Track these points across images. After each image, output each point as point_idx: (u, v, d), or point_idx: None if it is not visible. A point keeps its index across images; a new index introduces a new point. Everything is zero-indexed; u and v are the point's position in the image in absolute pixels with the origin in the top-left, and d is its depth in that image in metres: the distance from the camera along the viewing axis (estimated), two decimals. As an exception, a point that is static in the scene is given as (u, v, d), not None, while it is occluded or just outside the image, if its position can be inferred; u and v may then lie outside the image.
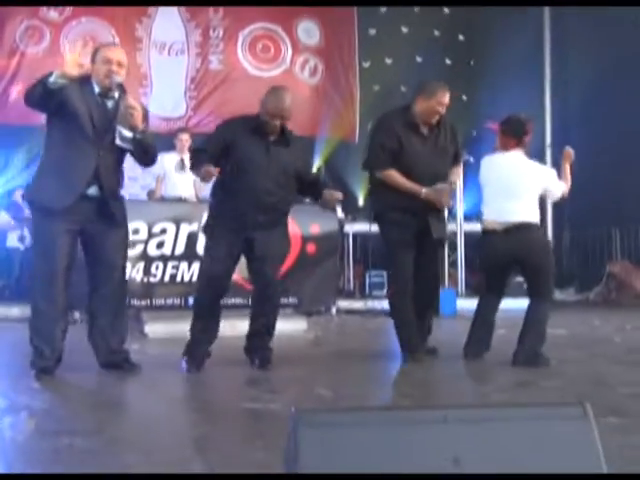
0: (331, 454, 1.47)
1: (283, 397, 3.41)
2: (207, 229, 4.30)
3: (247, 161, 4.07)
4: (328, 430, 1.49)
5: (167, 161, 7.74)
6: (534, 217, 4.37)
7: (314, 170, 4.51)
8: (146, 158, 4.06)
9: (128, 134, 3.86)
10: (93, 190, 3.85)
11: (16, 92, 9.68)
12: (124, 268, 4.08)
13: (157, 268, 6.54)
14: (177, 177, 7.67)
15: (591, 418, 1.54)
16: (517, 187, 4.34)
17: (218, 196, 4.25)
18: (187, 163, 7.67)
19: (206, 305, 4.19)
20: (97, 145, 3.83)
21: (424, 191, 4.29)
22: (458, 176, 4.69)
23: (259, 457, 2.34)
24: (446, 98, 4.41)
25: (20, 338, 5.65)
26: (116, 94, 3.90)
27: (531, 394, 3.45)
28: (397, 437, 1.48)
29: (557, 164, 10.42)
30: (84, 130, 3.79)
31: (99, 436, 2.68)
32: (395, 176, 4.37)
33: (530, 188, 4.37)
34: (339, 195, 4.26)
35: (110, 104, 3.90)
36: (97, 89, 3.88)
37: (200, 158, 4.07)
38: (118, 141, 3.87)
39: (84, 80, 3.84)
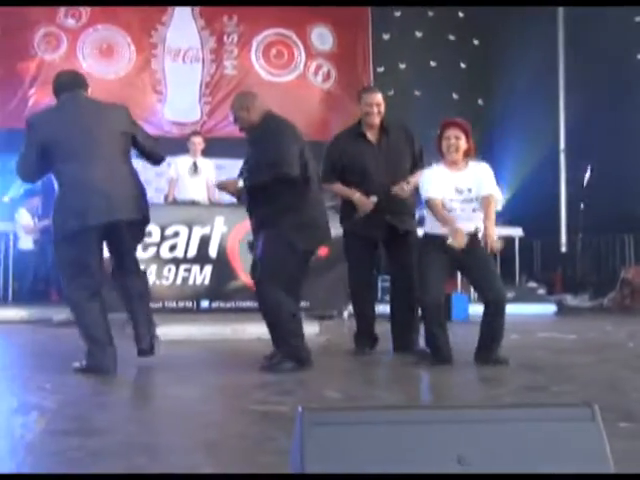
0: (337, 453, 1.48)
1: (292, 399, 3.41)
2: None
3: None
4: (334, 429, 1.50)
5: (180, 164, 7.79)
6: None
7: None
8: None
9: None
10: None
11: (34, 97, 9.78)
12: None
13: (169, 271, 6.57)
14: (189, 180, 7.71)
15: (599, 420, 1.54)
16: None
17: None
18: (200, 166, 7.74)
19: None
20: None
21: (356, 196, 4.63)
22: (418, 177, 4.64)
23: (269, 460, 2.34)
24: (373, 98, 4.70)
25: (31, 339, 5.74)
26: None
27: (542, 398, 3.43)
28: (403, 436, 1.48)
29: (571, 169, 10.41)
30: None
31: (109, 437, 2.70)
32: (336, 187, 4.77)
33: None
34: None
35: None
36: None
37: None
38: None
39: None
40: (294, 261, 4.06)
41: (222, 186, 4.34)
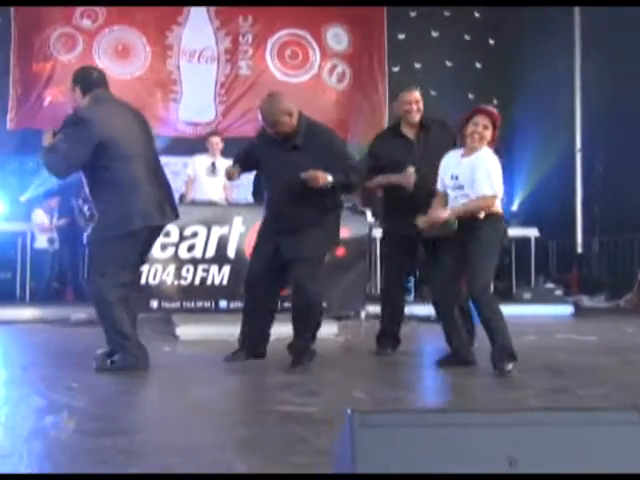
0: (388, 455, 1.48)
1: (318, 400, 3.42)
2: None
3: (268, 173, 4.30)
4: (385, 431, 1.49)
5: (198, 164, 7.77)
6: None
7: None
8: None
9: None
10: None
11: (50, 97, 9.83)
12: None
13: (188, 271, 6.57)
14: (207, 180, 7.69)
15: (646, 423, 1.53)
16: None
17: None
18: (218, 166, 7.73)
19: (247, 306, 4.36)
20: None
21: (399, 177, 4.58)
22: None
23: (303, 460, 2.35)
24: (412, 96, 4.64)
25: (50, 339, 5.75)
26: None
27: (569, 401, 3.41)
28: (454, 439, 1.48)
29: (587, 168, 10.39)
30: None
31: (139, 436, 2.71)
32: (378, 179, 4.72)
33: None
34: (315, 174, 4.02)
35: None
36: None
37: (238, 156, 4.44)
38: None
39: None
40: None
41: (312, 176, 4.01)
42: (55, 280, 8.95)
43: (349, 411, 1.54)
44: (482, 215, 4.14)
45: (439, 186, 4.32)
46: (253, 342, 4.29)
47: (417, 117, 4.66)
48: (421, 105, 4.67)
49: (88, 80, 4.13)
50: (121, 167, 3.99)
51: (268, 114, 4.06)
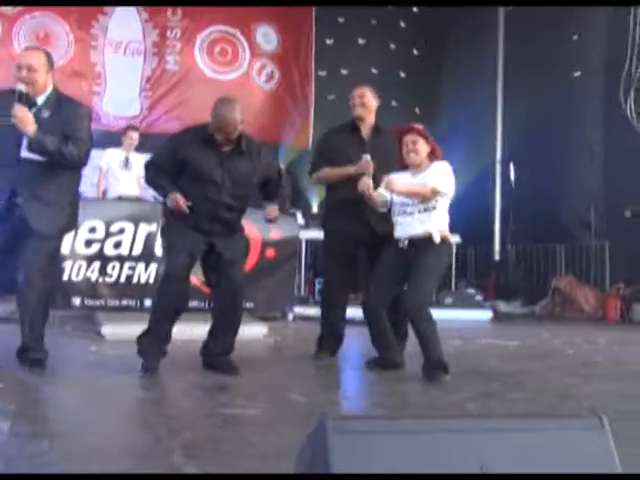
0: (363, 461, 1.49)
1: (257, 403, 3.40)
2: (165, 230, 4.25)
3: (202, 174, 4.02)
4: (359, 437, 1.51)
5: (110, 156, 7.65)
6: None
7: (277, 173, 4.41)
8: (45, 157, 3.89)
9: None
10: (20, 200, 3.84)
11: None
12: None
13: (113, 268, 6.43)
14: (121, 174, 7.60)
15: (607, 429, 1.61)
16: None
17: None
18: (132, 161, 7.59)
19: (164, 307, 4.07)
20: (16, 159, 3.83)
21: (352, 169, 4.54)
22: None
23: (252, 465, 2.33)
24: (357, 90, 4.69)
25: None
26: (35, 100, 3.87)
27: (500, 405, 3.52)
28: (427, 445, 1.51)
29: (505, 179, 10.73)
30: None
31: (80, 440, 2.63)
32: (325, 172, 4.73)
33: None
34: (275, 213, 4.28)
35: (33, 111, 3.83)
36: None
37: (159, 177, 4.09)
38: (23, 152, 3.81)
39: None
40: None
41: (274, 216, 4.28)
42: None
43: (321, 416, 1.54)
44: (438, 239, 4.19)
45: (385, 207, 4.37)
46: (162, 342, 4.12)
47: (361, 111, 4.67)
48: (366, 100, 4.67)
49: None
50: None
51: (227, 119, 3.92)
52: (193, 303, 6.12)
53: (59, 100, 3.96)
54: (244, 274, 4.37)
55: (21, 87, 3.80)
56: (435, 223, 4.24)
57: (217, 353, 4.21)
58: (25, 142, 3.79)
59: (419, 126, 4.39)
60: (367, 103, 4.69)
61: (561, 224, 9.47)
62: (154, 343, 4.08)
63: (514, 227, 10.13)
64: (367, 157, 4.48)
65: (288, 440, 2.52)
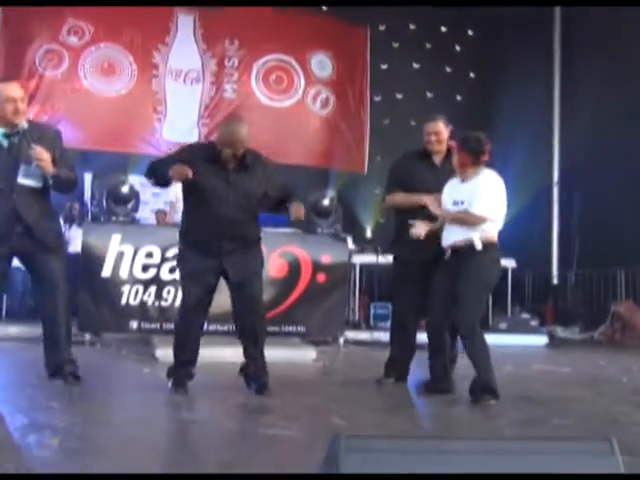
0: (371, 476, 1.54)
1: (298, 424, 3.46)
2: (179, 261, 4.36)
3: (208, 191, 4.10)
4: (369, 456, 1.55)
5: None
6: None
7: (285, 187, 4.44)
8: (68, 190, 4.28)
9: (34, 170, 3.96)
10: (19, 229, 4.02)
11: (33, 114, 9.82)
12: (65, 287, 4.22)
13: (169, 292, 6.60)
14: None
15: (617, 453, 1.61)
16: None
17: (186, 224, 4.31)
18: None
19: (184, 331, 4.22)
20: (9, 186, 3.97)
21: (425, 198, 4.50)
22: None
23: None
24: (432, 127, 4.67)
25: (26, 356, 5.70)
26: (19, 129, 4.02)
27: (542, 431, 3.49)
28: (436, 465, 1.55)
29: (564, 201, 10.54)
30: None
31: (122, 455, 2.73)
32: (400, 197, 4.73)
33: None
34: (302, 210, 4.26)
35: (16, 140, 4.01)
36: (2, 130, 4.00)
37: (164, 163, 4.20)
38: (20, 179, 3.97)
39: None
40: None
41: (300, 214, 4.28)
42: (30, 296, 8.85)
43: (335, 435, 1.59)
44: (479, 246, 4.14)
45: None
46: (191, 368, 4.23)
47: (436, 147, 4.69)
48: (442, 136, 4.67)
49: None
50: None
51: (236, 133, 4.07)
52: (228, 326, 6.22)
53: (37, 126, 4.19)
54: (261, 287, 4.32)
55: (24, 124, 3.98)
56: (472, 233, 4.17)
57: (252, 373, 4.25)
58: (22, 169, 3.96)
59: (454, 142, 4.44)
60: (442, 139, 4.69)
61: (621, 248, 9.26)
62: (179, 368, 4.20)
63: (577, 252, 9.96)
64: (438, 196, 4.43)
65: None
